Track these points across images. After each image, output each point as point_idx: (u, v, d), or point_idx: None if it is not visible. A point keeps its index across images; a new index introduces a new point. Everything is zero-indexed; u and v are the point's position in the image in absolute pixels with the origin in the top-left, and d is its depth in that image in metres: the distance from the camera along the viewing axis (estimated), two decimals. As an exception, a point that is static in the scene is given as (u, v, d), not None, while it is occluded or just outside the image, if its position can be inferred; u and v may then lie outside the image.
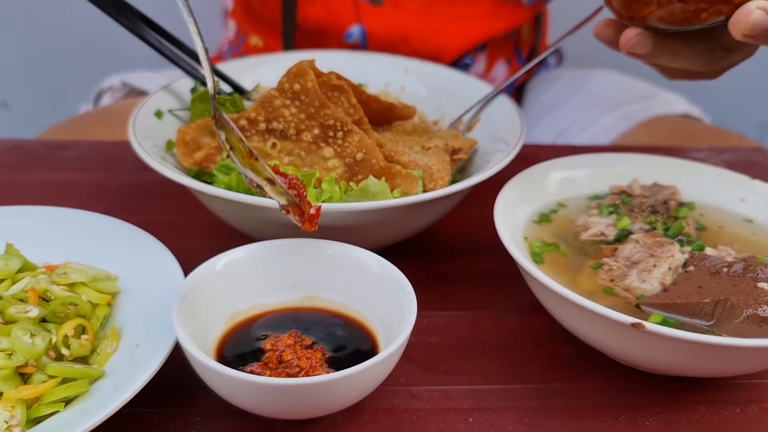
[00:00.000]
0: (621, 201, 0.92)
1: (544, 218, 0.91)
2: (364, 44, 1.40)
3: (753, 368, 0.72)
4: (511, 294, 0.92)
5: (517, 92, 1.68)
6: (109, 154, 1.20)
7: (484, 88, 1.11)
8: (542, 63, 1.75)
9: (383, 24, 1.40)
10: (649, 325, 0.66)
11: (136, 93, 1.51)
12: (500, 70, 1.58)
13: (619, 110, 1.62)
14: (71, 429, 0.61)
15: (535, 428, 0.72)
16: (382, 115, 0.97)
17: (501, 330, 0.86)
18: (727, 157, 1.31)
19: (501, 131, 1.02)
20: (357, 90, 0.91)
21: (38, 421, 0.65)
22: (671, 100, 1.66)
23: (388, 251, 0.92)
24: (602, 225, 0.88)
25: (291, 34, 1.39)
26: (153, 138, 0.92)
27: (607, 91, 1.69)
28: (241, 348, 0.73)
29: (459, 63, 1.47)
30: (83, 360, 0.72)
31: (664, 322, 0.72)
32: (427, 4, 1.39)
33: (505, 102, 1.06)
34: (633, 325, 0.67)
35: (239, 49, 1.53)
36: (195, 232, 1.00)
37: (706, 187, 0.96)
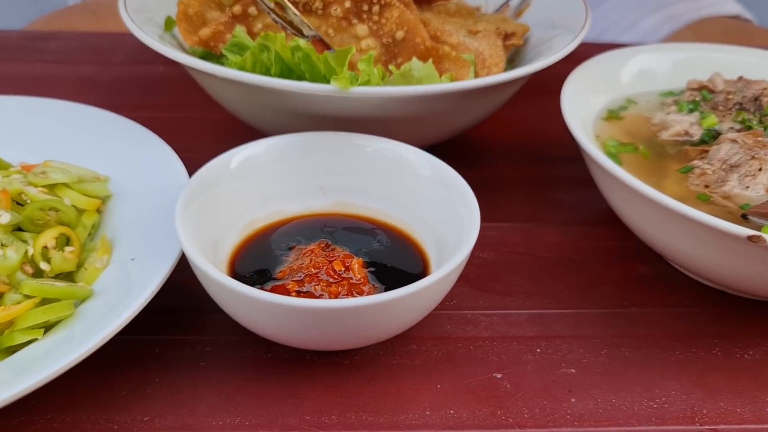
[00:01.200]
0: (702, 98, 0.78)
1: (613, 115, 0.76)
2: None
3: None
4: (572, 204, 0.78)
5: (553, -11, 1.51)
6: (98, 45, 1.05)
7: (534, -31, 0.94)
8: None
9: None
10: (772, 238, 0.53)
11: (127, -17, 1.33)
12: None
13: (663, 11, 1.46)
14: (53, 361, 0.48)
15: (617, 361, 0.60)
16: (422, -7, 0.81)
17: (563, 245, 0.73)
18: (798, 59, 1.15)
19: (558, 17, 0.86)
20: (394, -43, 0.74)
21: (13, 350, 0.52)
22: (720, 1, 1.49)
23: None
24: (685, 123, 0.74)
25: None
26: (149, 13, 0.76)
27: (649, -10, 1.53)
28: (259, 262, 0.60)
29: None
30: (67, 277, 0.59)
31: (779, 236, 0.58)
32: None
33: (560, -17, 0.90)
34: (750, 238, 0.54)
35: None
36: (202, 132, 0.86)
37: (801, 83, 0.82)
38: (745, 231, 0.54)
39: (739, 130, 0.72)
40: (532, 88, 0.88)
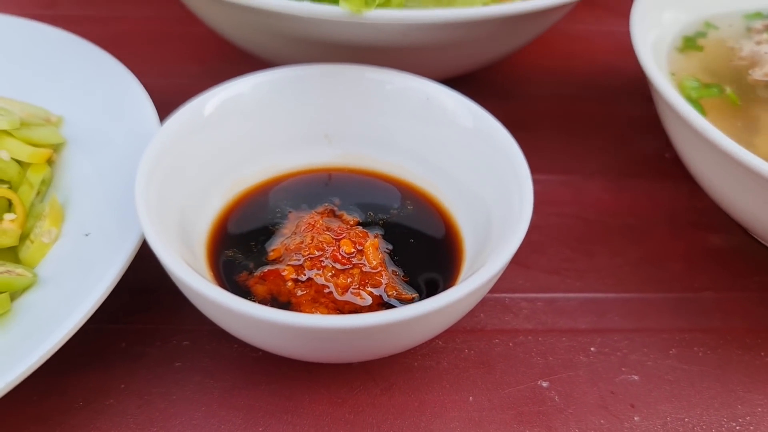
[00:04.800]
0: (800, 21, 0.63)
1: (690, 44, 0.62)
2: None
3: None
4: (628, 152, 0.65)
5: None
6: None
7: None
8: None
9: None
10: None
11: None
12: None
13: None
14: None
15: (689, 365, 0.49)
16: None
17: (619, 205, 0.60)
18: None
19: None
20: None
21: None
22: None
23: (449, 84, 0.65)
24: (783, 57, 0.59)
25: None
26: None
27: None
28: (248, 234, 0.48)
29: None
30: (9, 253, 0.47)
31: None
32: None
33: None
34: None
35: None
36: (182, 51, 0.72)
37: None
38: None
39: None
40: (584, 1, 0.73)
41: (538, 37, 0.72)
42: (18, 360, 0.38)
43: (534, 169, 0.62)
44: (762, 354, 0.50)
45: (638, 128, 0.66)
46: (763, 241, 0.57)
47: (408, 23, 0.49)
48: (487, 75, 0.72)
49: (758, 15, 0.66)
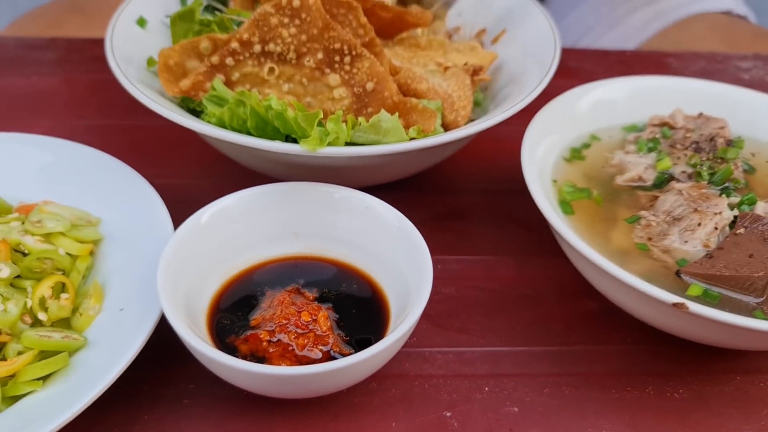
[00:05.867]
0: (662, 135, 0.82)
1: (575, 155, 0.81)
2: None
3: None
4: (533, 236, 0.84)
5: (543, -19, 1.52)
6: (92, 54, 1.08)
7: (511, -9, 0.97)
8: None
9: None
10: (693, 306, 0.59)
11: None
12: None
13: (652, 6, 1.45)
14: (52, 418, 0.55)
15: (556, 399, 0.67)
16: (393, 24, 0.84)
17: (520, 279, 0.79)
18: (776, 66, 1.18)
19: (531, 46, 0.90)
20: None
21: (13, 398, 0.59)
22: (711, -6, 1.49)
23: (396, 184, 0.84)
24: (640, 167, 0.78)
25: None
26: (135, 51, 0.81)
27: (639, -16, 1.53)
28: (237, 307, 0.66)
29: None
30: (64, 322, 0.65)
31: (705, 295, 0.64)
32: None
33: (535, 11, 0.93)
34: (674, 305, 0.60)
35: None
36: (188, 156, 0.91)
37: (760, 119, 0.86)
38: (670, 298, 0.60)
39: (690, 175, 0.77)
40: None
41: (465, 146, 0.92)
42: (75, 401, 0.56)
43: (460, 251, 0.82)
44: (613, 391, 0.68)
45: (541, 219, 0.85)
46: (627, 312, 0.75)
47: (349, 156, 0.69)
48: (431, 173, 0.91)
49: (633, 127, 0.86)
